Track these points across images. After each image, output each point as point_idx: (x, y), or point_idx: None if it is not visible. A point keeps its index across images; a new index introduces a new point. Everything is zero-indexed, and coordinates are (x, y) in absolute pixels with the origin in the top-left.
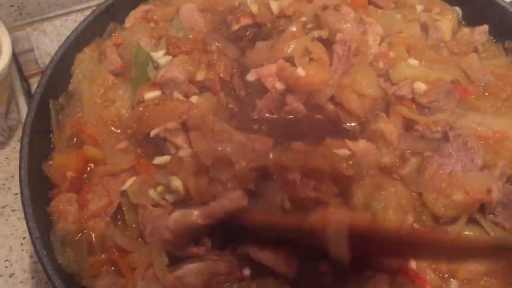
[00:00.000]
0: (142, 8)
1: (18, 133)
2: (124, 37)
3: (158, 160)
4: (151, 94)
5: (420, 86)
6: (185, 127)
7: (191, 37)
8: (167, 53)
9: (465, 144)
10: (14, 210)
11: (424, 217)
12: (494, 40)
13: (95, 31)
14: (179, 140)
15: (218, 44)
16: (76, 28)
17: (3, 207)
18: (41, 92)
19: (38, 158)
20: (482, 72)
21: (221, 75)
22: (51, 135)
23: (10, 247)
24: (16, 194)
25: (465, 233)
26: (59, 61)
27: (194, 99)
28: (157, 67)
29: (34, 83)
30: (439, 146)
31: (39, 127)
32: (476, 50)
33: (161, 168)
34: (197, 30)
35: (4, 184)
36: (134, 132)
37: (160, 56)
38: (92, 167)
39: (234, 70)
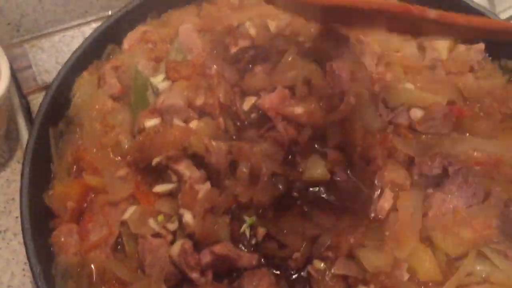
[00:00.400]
0: (140, 29)
1: (18, 153)
2: (122, 60)
3: (159, 188)
4: (151, 122)
5: (417, 113)
6: (187, 153)
7: (189, 59)
8: (167, 78)
9: (466, 180)
10: (15, 234)
11: (440, 256)
12: (490, 58)
13: (93, 54)
14: (182, 167)
15: (217, 68)
16: (75, 51)
17: (4, 231)
18: (41, 118)
19: (39, 187)
20: (478, 92)
21: (221, 99)
22: (51, 163)
23: (12, 272)
24: (17, 217)
25: (477, 268)
26: (59, 85)
27: (193, 124)
28: (156, 92)
29: (33, 99)
30: (440, 181)
31: (39, 156)
32: (472, 69)
33: (161, 196)
34: (196, 52)
35: (5, 207)
36: (135, 160)
37: (159, 81)
38: (93, 196)
39: (235, 96)
